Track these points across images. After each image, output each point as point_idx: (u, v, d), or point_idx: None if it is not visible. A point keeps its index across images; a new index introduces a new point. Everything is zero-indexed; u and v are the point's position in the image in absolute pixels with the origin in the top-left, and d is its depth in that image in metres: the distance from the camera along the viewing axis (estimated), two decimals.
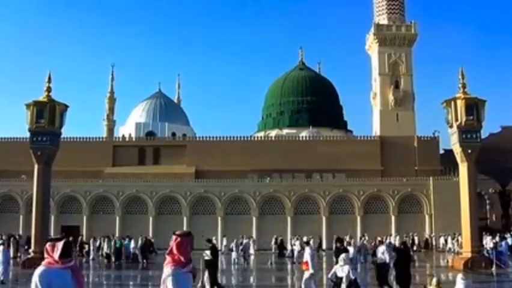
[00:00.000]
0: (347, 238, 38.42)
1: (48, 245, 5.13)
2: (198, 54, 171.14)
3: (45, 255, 5.15)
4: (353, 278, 15.23)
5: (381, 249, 19.49)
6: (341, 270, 15.90)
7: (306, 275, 16.29)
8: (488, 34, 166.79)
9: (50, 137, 28.97)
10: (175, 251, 5.62)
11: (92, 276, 26.69)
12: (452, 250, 44.83)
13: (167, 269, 5.62)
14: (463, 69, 29.91)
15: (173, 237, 5.71)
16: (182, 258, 5.58)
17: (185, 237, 5.73)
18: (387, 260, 18.48)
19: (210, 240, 19.94)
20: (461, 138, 28.58)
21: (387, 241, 33.76)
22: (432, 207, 52.85)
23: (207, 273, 17.56)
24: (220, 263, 32.82)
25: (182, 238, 5.70)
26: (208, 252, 18.06)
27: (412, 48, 70.45)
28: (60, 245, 5.07)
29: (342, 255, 16.53)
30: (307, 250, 16.86)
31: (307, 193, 54.13)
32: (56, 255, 5.04)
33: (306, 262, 16.52)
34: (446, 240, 48.15)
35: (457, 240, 45.67)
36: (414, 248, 43.13)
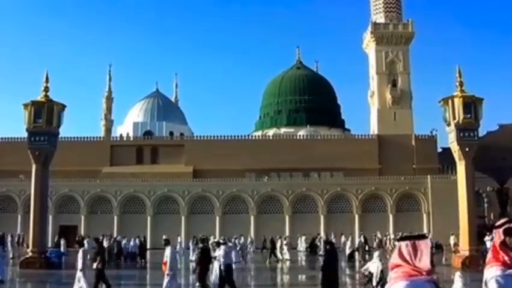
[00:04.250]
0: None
1: (405, 245, 3.59)
2: (195, 53, 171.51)
3: (400, 261, 3.59)
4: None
5: (222, 249, 17.42)
6: (373, 265, 16.51)
7: (166, 279, 14.77)
8: (486, 32, 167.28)
9: (48, 136, 28.97)
10: (498, 247, 4.04)
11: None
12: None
13: (490, 270, 4.09)
14: (460, 67, 29.96)
15: (496, 229, 4.10)
16: (507, 258, 3.98)
17: None
18: (234, 261, 17.65)
19: (97, 240, 19.64)
20: (459, 137, 28.63)
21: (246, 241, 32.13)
22: (430, 206, 52.90)
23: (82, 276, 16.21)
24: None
25: None
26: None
27: (409, 46, 70.54)
28: (427, 246, 3.59)
29: (377, 252, 16.84)
30: (167, 250, 15.19)
31: (305, 192, 54.15)
32: (423, 261, 3.54)
33: (165, 263, 15.08)
34: (380, 240, 44.98)
35: (389, 240, 44.13)
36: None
